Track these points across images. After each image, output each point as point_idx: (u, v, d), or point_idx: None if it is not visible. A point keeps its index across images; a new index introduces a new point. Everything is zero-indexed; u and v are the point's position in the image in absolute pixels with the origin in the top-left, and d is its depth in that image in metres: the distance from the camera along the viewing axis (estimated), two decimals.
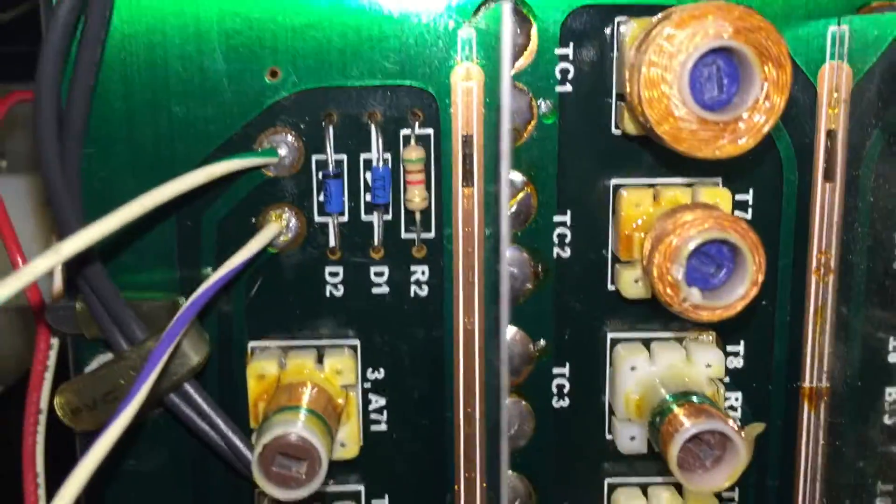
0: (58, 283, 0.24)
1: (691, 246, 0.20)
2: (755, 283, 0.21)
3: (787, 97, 0.20)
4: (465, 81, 0.23)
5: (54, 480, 0.26)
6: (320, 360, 0.24)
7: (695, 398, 0.22)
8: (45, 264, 0.18)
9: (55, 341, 0.26)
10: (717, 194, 0.24)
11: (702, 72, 0.20)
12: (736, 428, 0.21)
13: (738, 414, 0.25)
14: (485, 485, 0.25)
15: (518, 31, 0.23)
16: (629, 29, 0.23)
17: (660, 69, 0.20)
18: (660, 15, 0.21)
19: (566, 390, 0.25)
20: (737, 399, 0.25)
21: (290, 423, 0.21)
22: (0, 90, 0.28)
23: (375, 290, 0.24)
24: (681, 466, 0.21)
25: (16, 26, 0.37)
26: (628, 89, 0.22)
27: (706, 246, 0.21)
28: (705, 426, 0.21)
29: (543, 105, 0.24)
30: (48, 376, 0.26)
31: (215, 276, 0.22)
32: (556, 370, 0.25)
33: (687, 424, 0.21)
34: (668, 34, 0.20)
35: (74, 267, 0.22)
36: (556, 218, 0.24)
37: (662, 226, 0.21)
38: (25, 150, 0.32)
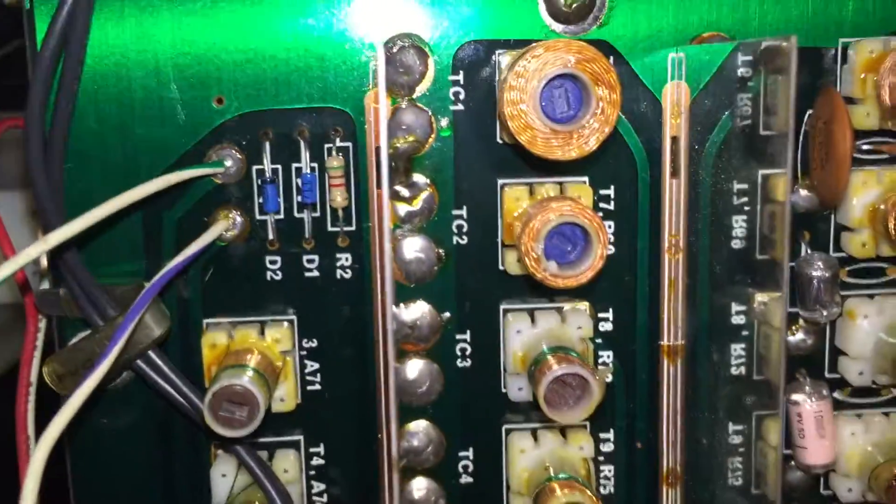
0: (44, 267, 0.29)
1: (549, 226, 0.26)
2: (601, 257, 0.26)
3: (618, 111, 0.26)
4: (376, 104, 0.29)
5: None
6: (262, 332, 0.29)
7: (563, 350, 0.28)
8: (36, 251, 0.23)
9: (42, 325, 0.31)
10: (581, 190, 0.29)
11: (553, 92, 0.26)
12: (591, 371, 0.27)
13: (610, 368, 0.31)
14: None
15: (418, 62, 0.29)
16: (505, 60, 0.29)
17: (518, 91, 0.26)
18: (523, 49, 0.27)
19: (468, 353, 0.31)
20: (609, 356, 0.31)
21: (235, 376, 0.26)
22: None
23: (308, 275, 0.30)
24: (549, 404, 0.27)
25: (3, 63, 0.42)
26: (499, 109, 0.27)
27: (563, 227, 0.26)
28: (567, 369, 0.26)
29: (441, 121, 0.29)
30: (37, 354, 0.31)
31: (174, 262, 0.27)
32: (458, 336, 0.30)
33: (554, 367, 0.27)
34: (523, 65, 0.26)
35: (59, 258, 0.27)
36: (454, 212, 0.30)
37: (529, 213, 0.27)
38: (13, 169, 0.36)
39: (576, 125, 0.26)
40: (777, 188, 0.30)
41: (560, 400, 0.27)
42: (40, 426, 0.31)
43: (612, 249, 0.30)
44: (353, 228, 0.29)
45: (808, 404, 0.31)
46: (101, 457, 0.30)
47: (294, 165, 0.29)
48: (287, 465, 0.30)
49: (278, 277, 0.30)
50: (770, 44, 0.29)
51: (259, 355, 0.28)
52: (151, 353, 0.28)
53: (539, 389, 0.27)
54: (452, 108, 0.29)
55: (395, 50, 0.28)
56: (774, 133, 0.29)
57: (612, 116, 0.26)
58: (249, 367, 0.27)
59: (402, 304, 0.30)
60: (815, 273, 0.30)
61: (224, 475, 0.29)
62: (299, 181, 0.29)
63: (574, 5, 0.28)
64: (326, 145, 0.29)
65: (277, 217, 0.29)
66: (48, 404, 0.31)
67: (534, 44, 0.26)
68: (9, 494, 0.32)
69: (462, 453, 0.31)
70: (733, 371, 0.31)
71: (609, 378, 0.29)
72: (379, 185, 0.29)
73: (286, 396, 0.29)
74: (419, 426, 0.30)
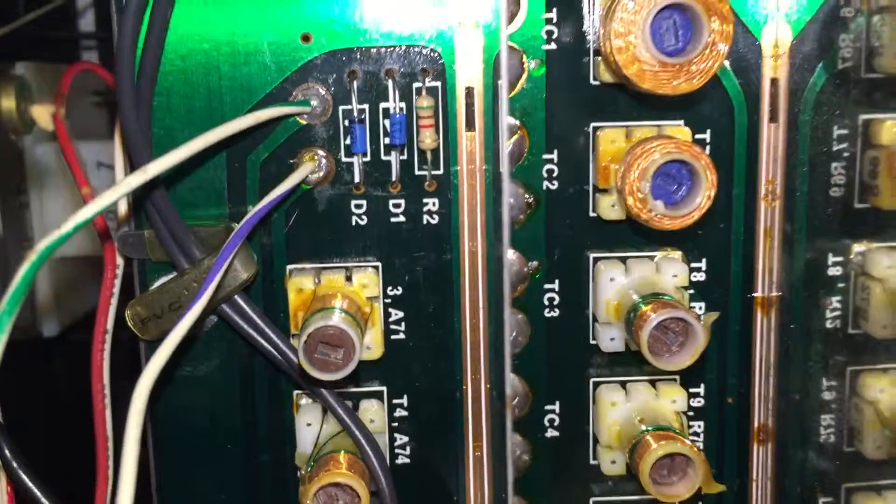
0: (122, 214, 0.29)
1: (656, 165, 0.25)
2: (709, 197, 0.25)
3: (731, 46, 0.25)
4: (467, 42, 0.28)
5: (115, 391, 0.30)
6: (349, 278, 0.28)
7: (660, 297, 0.27)
8: (137, 180, 0.22)
9: (120, 271, 0.30)
10: (679, 132, 0.28)
11: (661, 25, 0.25)
12: (695, 316, 0.26)
13: (717, 313, 0.29)
14: (488, 385, 0.30)
15: None
16: None
17: (626, 23, 0.25)
18: None
19: (556, 302, 0.30)
20: (700, 308, 0.30)
21: (329, 318, 0.25)
22: (64, 69, 0.32)
23: (394, 220, 0.29)
24: (651, 351, 0.26)
25: (52, 15, 0.41)
26: (602, 43, 0.26)
27: (668, 166, 0.25)
28: (669, 314, 0.25)
29: (532, 62, 0.28)
30: (113, 301, 0.30)
31: (262, 203, 0.26)
32: (547, 286, 0.29)
33: (653, 315, 0.26)
34: None
35: (145, 199, 0.26)
36: (545, 156, 0.29)
37: (633, 153, 0.26)
38: (75, 120, 0.35)
39: (685, 58, 0.25)
40: (880, 133, 0.29)
41: (663, 347, 0.26)
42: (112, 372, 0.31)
43: None
44: (441, 172, 0.29)
45: None
46: (182, 406, 0.29)
47: (382, 106, 0.28)
48: (372, 415, 0.29)
49: (363, 222, 0.29)
50: None
51: (347, 299, 0.27)
52: (237, 298, 0.27)
53: (641, 336, 0.26)
54: (545, 47, 0.28)
55: None
56: (881, 75, 0.28)
57: (725, 50, 0.25)
58: (342, 309, 0.26)
59: None
60: None
61: (309, 424, 0.28)
62: (387, 122, 0.28)
63: None
64: (415, 85, 0.28)
65: (364, 159, 0.28)
66: (119, 348, 0.30)
67: None
68: (83, 441, 0.31)
69: (548, 406, 0.30)
70: (828, 325, 0.30)
71: (714, 319, 0.28)
72: (470, 128, 0.28)
73: (372, 343, 0.28)
74: (509, 378, 0.29)
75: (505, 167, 0.28)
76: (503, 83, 0.27)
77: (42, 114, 0.28)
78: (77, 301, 0.39)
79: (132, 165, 0.26)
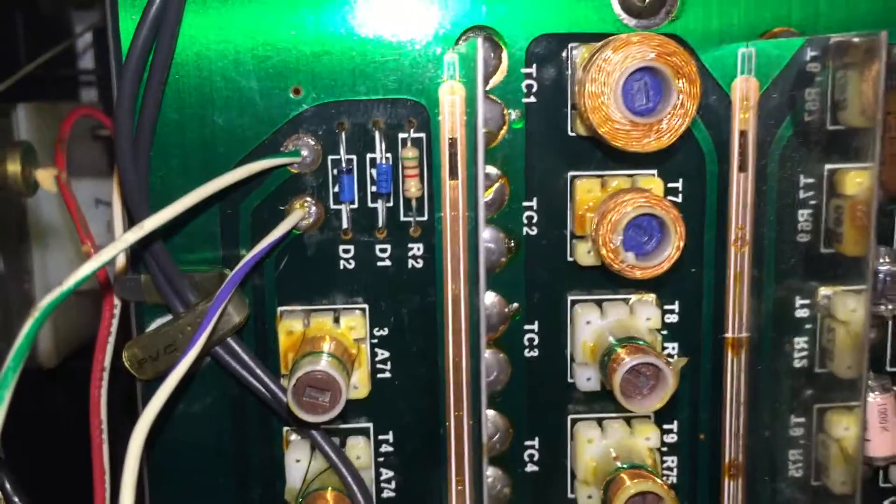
0: (120, 261, 0.30)
1: (627, 218, 0.26)
2: (678, 248, 0.27)
3: (698, 104, 0.26)
4: (450, 95, 0.29)
5: (111, 423, 0.31)
6: (336, 320, 0.29)
7: (634, 341, 0.28)
8: (133, 237, 0.23)
9: (117, 311, 0.31)
10: (652, 182, 0.29)
11: (633, 86, 0.26)
12: (665, 361, 0.27)
13: (686, 358, 0.31)
14: (470, 421, 0.31)
15: (492, 54, 0.29)
16: (579, 52, 0.29)
17: (599, 84, 0.26)
18: (601, 43, 0.27)
19: (535, 343, 0.31)
20: (674, 348, 0.31)
21: (316, 362, 0.26)
22: (63, 108, 0.34)
23: (380, 264, 0.30)
24: (623, 394, 0.27)
25: (68, 55, 0.43)
26: (578, 100, 0.28)
27: (639, 219, 0.27)
28: (641, 359, 0.27)
29: (513, 113, 0.30)
30: (111, 339, 0.31)
31: (256, 249, 0.27)
32: (527, 327, 0.31)
33: (627, 359, 0.27)
34: (605, 58, 0.26)
35: (141, 246, 0.28)
36: (525, 203, 0.30)
37: (606, 205, 0.27)
38: (76, 158, 0.37)
39: (655, 118, 0.26)
40: (844, 182, 0.30)
41: (634, 389, 0.27)
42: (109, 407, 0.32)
43: None
44: (426, 218, 0.30)
45: (871, 397, 0.31)
46: (176, 441, 0.30)
47: (369, 156, 0.29)
48: (359, 451, 0.30)
49: (351, 266, 0.30)
50: (839, 39, 0.29)
51: (335, 342, 0.28)
52: (230, 340, 0.28)
53: (614, 379, 0.27)
54: (525, 100, 0.29)
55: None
56: (844, 127, 0.30)
57: (692, 109, 0.26)
58: (329, 353, 0.27)
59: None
60: (881, 267, 0.30)
61: (298, 460, 0.29)
62: (374, 171, 0.29)
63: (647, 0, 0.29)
64: (401, 136, 0.29)
65: (352, 207, 0.30)
66: (115, 385, 0.31)
67: (614, 36, 0.27)
68: (79, 475, 0.32)
69: (528, 442, 0.31)
70: (796, 364, 0.32)
71: (683, 364, 0.29)
72: (453, 176, 0.29)
73: (359, 383, 0.29)
74: (486, 415, 0.31)
75: (482, 213, 0.29)
76: (480, 133, 0.29)
77: (46, 177, 0.29)
78: (75, 333, 0.41)
79: (130, 218, 0.27)
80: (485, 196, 0.30)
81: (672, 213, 0.27)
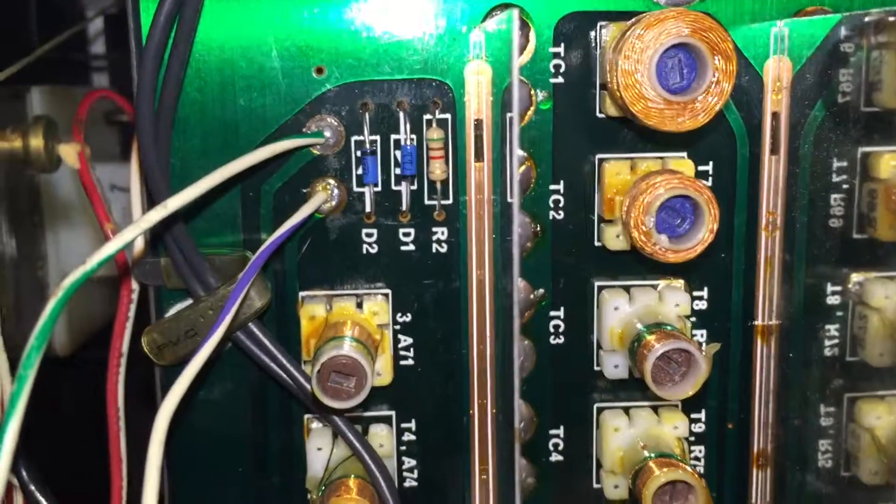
0: (139, 244, 0.29)
1: (660, 200, 0.26)
2: (711, 231, 0.26)
3: (734, 83, 0.26)
4: (476, 76, 0.28)
5: (128, 411, 0.31)
6: (359, 305, 0.29)
7: (663, 327, 0.27)
8: (157, 216, 0.23)
9: (135, 296, 0.30)
10: (683, 165, 0.29)
11: (666, 63, 0.26)
12: (697, 346, 0.26)
13: (719, 344, 0.30)
14: (494, 410, 0.30)
15: (519, 34, 0.29)
16: (609, 31, 0.28)
17: (633, 61, 0.25)
18: (633, 20, 0.27)
19: (561, 330, 0.30)
20: (702, 335, 0.31)
21: (341, 347, 0.26)
22: (77, 92, 0.33)
23: (403, 248, 0.29)
24: (654, 381, 0.27)
25: (74, 37, 0.42)
26: (609, 79, 0.27)
27: (672, 201, 0.26)
28: (672, 345, 0.26)
29: (540, 94, 0.29)
30: (129, 325, 0.31)
31: (278, 232, 0.27)
32: (552, 313, 0.30)
33: (657, 345, 0.26)
34: (638, 34, 0.25)
35: (162, 228, 0.27)
36: (552, 187, 0.29)
37: (637, 187, 0.27)
38: (91, 143, 0.36)
39: (690, 96, 0.25)
40: (878, 166, 0.30)
41: (665, 377, 0.27)
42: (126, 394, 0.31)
43: None
44: (451, 202, 0.29)
45: None
46: (195, 428, 0.30)
47: (393, 137, 0.29)
48: (381, 440, 0.29)
49: (374, 251, 0.29)
50: (875, 17, 0.28)
51: (358, 327, 0.28)
52: (252, 325, 0.28)
53: (645, 366, 0.26)
54: (552, 80, 0.29)
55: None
56: (879, 109, 0.29)
57: (728, 87, 0.25)
58: (352, 338, 0.27)
59: None
60: None
61: (319, 448, 0.29)
62: (398, 153, 0.29)
63: None
64: (425, 117, 0.29)
65: (375, 189, 0.29)
66: (133, 370, 0.31)
67: (647, 13, 0.26)
68: (94, 459, 0.32)
69: (553, 431, 0.31)
70: (826, 352, 0.31)
71: (715, 350, 0.28)
72: (479, 158, 0.29)
73: (383, 370, 0.29)
74: (518, 403, 0.30)
75: (517, 197, 0.29)
76: (516, 114, 0.28)
77: (69, 152, 0.29)
78: (89, 320, 0.40)
79: (151, 199, 0.26)
80: (518, 180, 0.29)
81: (706, 195, 0.26)
